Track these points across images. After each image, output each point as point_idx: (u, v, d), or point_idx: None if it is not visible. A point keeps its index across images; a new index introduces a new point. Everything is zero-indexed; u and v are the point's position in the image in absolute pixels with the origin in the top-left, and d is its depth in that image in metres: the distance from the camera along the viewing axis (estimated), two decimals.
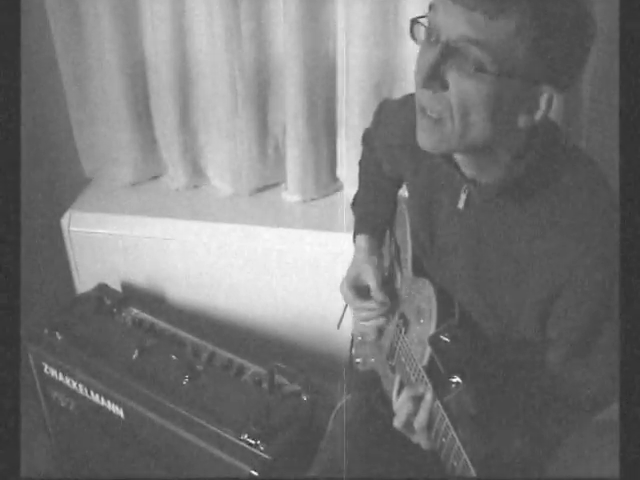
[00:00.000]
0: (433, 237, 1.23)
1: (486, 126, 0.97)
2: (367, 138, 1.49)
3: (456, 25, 0.92)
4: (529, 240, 1.07)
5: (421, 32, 0.98)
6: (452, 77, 0.95)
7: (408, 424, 1.09)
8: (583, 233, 1.03)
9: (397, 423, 1.11)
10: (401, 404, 1.10)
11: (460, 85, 0.95)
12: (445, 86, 0.96)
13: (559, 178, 1.05)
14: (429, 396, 1.06)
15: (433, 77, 0.96)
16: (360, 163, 1.52)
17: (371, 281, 1.34)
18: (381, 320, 1.35)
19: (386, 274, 1.39)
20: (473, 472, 0.94)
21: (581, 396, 1.16)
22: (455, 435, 0.99)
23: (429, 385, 1.08)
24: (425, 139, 1.02)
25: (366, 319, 1.38)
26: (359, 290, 1.36)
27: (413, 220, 1.30)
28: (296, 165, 1.89)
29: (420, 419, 1.07)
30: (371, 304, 1.34)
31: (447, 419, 1.01)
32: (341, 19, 1.71)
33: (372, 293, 1.34)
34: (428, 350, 1.14)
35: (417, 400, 1.08)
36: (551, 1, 0.92)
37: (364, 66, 1.72)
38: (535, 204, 1.06)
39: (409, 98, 1.16)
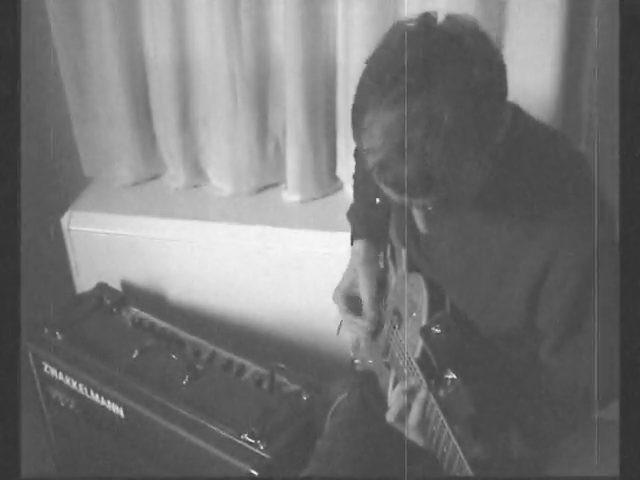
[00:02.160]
0: (417, 235, 1.24)
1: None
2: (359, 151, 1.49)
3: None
4: (510, 228, 1.08)
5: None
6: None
7: (400, 418, 1.10)
8: (559, 214, 1.04)
9: (390, 417, 1.11)
10: (394, 397, 1.11)
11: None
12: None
13: (534, 161, 1.06)
14: (422, 388, 1.07)
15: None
16: (354, 176, 1.53)
17: (364, 295, 1.35)
18: (366, 334, 1.36)
19: (381, 277, 1.40)
20: (468, 469, 0.94)
21: (576, 388, 1.15)
22: (449, 429, 0.99)
23: (422, 378, 1.08)
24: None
25: (353, 332, 1.40)
26: (351, 301, 1.37)
27: (398, 219, 1.30)
28: (296, 165, 1.89)
29: (414, 412, 1.07)
30: (360, 321, 1.35)
31: (441, 413, 1.01)
32: (341, 20, 1.71)
33: (364, 309, 1.35)
34: (420, 342, 1.14)
35: (410, 393, 1.08)
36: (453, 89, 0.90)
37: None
38: (514, 191, 1.07)
39: None
